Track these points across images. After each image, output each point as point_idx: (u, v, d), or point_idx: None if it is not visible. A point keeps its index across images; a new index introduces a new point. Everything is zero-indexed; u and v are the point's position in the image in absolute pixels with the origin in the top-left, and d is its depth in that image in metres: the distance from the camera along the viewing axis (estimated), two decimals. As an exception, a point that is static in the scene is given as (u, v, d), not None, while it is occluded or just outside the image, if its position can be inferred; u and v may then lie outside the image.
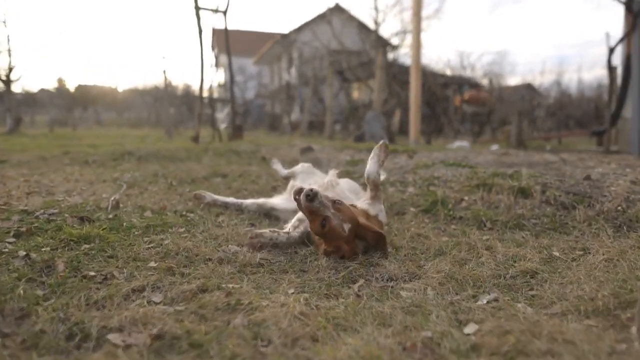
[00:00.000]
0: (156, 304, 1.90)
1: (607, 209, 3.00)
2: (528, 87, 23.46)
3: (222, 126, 10.35)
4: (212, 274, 2.20)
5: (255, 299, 1.90)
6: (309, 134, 17.87)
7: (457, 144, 10.34)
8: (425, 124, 14.57)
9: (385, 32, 20.67)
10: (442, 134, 14.73)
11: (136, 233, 2.83)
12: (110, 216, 3.16)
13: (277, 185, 4.35)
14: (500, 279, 2.12)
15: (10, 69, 15.72)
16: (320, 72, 19.58)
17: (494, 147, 9.02)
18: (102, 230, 2.73)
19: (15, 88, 18.19)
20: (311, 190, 2.33)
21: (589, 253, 2.42)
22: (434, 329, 1.61)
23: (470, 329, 1.61)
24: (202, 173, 5.01)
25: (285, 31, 27.03)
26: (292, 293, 2.01)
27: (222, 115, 10.51)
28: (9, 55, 15.47)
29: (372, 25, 20.49)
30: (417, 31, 10.01)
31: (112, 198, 3.58)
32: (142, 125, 29.32)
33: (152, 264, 2.28)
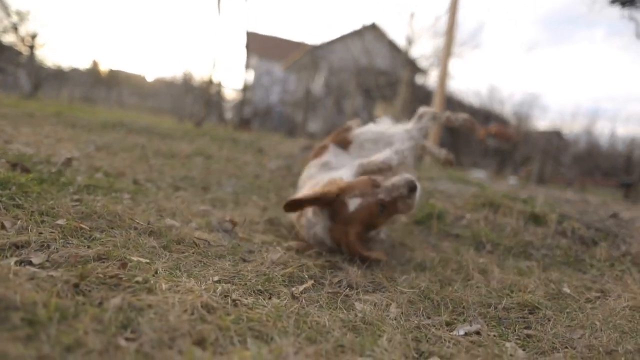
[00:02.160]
0: (31, 264, 1.46)
1: (635, 252, 2.45)
2: (556, 134, 22.69)
3: (228, 116, 10.04)
4: (126, 243, 1.75)
5: (157, 279, 1.43)
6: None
7: (475, 173, 9.76)
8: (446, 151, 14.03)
9: (416, 54, 20.27)
10: (460, 164, 14.15)
11: (70, 190, 2.42)
12: (54, 170, 2.76)
13: (260, 174, 3.92)
14: (489, 308, 1.61)
15: (34, 35, 15.90)
16: (345, 86, 19.30)
17: (512, 179, 8.42)
18: (29, 180, 2.32)
19: (40, 55, 18.40)
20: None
21: (609, 296, 1.88)
22: (377, 356, 1.12)
23: (429, 365, 1.11)
24: (186, 151, 4.61)
25: (318, 42, 26.99)
26: (214, 282, 1.54)
27: (229, 105, 10.21)
28: (32, 20, 15.68)
29: (403, 45, 20.19)
30: (447, 51, 9.58)
31: (68, 155, 3.19)
32: (163, 113, 29.51)
33: (61, 221, 1.85)
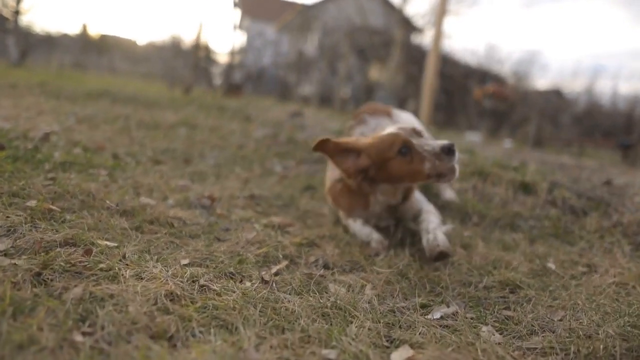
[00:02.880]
0: (-7, 252, 1.39)
1: (627, 222, 2.40)
2: (556, 93, 22.26)
3: (217, 82, 9.72)
4: (97, 226, 1.69)
5: (122, 266, 1.38)
6: (319, 107, 17.21)
7: (469, 135, 9.62)
8: (440, 113, 13.78)
9: (412, 12, 19.52)
10: (455, 125, 13.95)
11: (45, 168, 2.33)
12: (30, 146, 2.66)
13: (244, 143, 3.81)
14: (469, 287, 1.57)
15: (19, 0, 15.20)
16: (339, 47, 18.69)
17: (507, 142, 8.30)
18: (2, 158, 2.22)
19: (27, 21, 17.67)
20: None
21: (596, 272, 1.84)
22: (344, 346, 1.08)
23: (398, 355, 1.07)
24: (170, 121, 4.48)
25: (310, 2, 25.97)
26: (183, 265, 1.48)
27: (217, 70, 9.85)
28: None
29: (398, 2, 19.39)
30: (442, 9, 9.17)
31: (47, 130, 3.07)
32: (155, 79, 28.81)
33: (31, 203, 1.77)
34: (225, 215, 2.11)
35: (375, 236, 1.90)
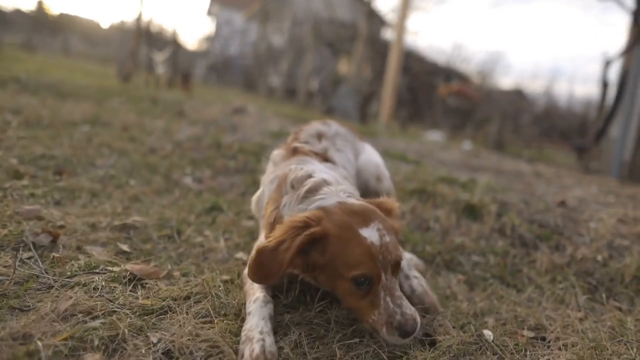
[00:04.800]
0: None
1: (581, 257, 2.01)
2: (517, 93, 22.61)
3: (160, 70, 8.92)
4: None
5: None
6: (284, 100, 16.60)
7: (431, 135, 9.33)
8: (405, 109, 13.47)
9: (380, 7, 19.16)
10: (420, 122, 13.71)
11: None
12: None
13: (159, 147, 3.22)
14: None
15: None
16: (306, 39, 18.08)
17: (466, 144, 8.04)
18: None
19: None
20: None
21: (544, 340, 1.42)
22: None
23: None
24: (77, 116, 3.80)
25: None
26: None
27: (160, 57, 9.01)
28: None
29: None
30: (405, 4, 8.77)
31: None
32: (111, 63, 27.10)
33: None
34: (64, 261, 1.54)
35: (267, 341, 1.20)
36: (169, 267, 1.65)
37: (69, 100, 4.76)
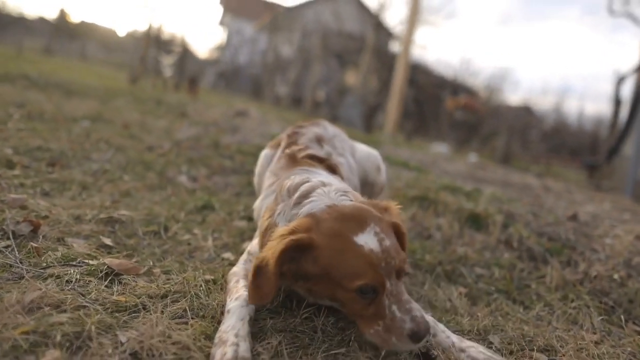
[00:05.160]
0: None
1: (596, 274, 1.88)
2: (526, 109, 22.47)
3: (167, 73, 8.94)
4: None
5: None
6: (290, 108, 16.62)
7: (436, 147, 9.21)
8: (410, 121, 13.39)
9: (390, 20, 19.21)
10: (426, 134, 13.59)
11: None
12: None
13: (157, 145, 3.15)
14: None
15: None
16: (313, 50, 18.21)
17: (472, 157, 7.91)
18: None
19: None
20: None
21: (553, 362, 1.29)
22: None
23: None
24: (79, 112, 3.75)
25: (291, 3, 25.57)
26: None
27: (168, 61, 9.06)
28: None
29: (375, 8, 19.05)
30: (412, 17, 8.75)
31: None
32: (126, 69, 27.40)
33: None
34: (41, 251, 1.45)
35: (241, 346, 1.07)
36: (151, 263, 1.55)
37: (75, 98, 4.72)
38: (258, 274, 1.15)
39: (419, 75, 14.44)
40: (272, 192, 1.53)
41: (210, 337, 1.16)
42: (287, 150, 1.67)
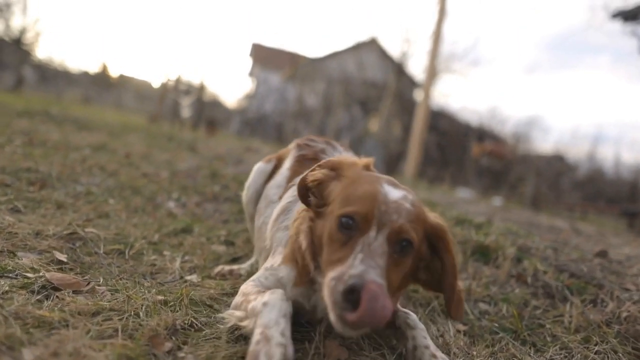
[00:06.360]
0: None
1: (627, 316, 1.56)
2: (558, 158, 21.75)
3: (185, 114, 9.23)
4: None
5: None
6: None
7: (460, 192, 8.86)
8: (433, 167, 13.12)
9: (413, 67, 19.59)
10: (450, 180, 13.21)
11: None
12: None
13: (155, 173, 3.10)
14: None
15: (23, 30, 15.60)
16: (335, 97, 18.66)
17: (496, 200, 7.51)
18: None
19: (44, 54, 18.51)
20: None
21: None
22: None
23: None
24: (85, 143, 3.80)
25: (315, 55, 26.82)
26: None
27: (186, 101, 9.40)
28: (24, 15, 15.39)
29: (397, 56, 19.52)
30: (433, 60, 8.81)
31: None
32: (159, 117, 28.84)
33: None
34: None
35: (289, 349, 0.93)
36: (100, 280, 1.39)
37: (86, 131, 4.85)
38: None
39: (442, 121, 14.36)
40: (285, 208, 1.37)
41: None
42: (300, 153, 1.57)
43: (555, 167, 16.50)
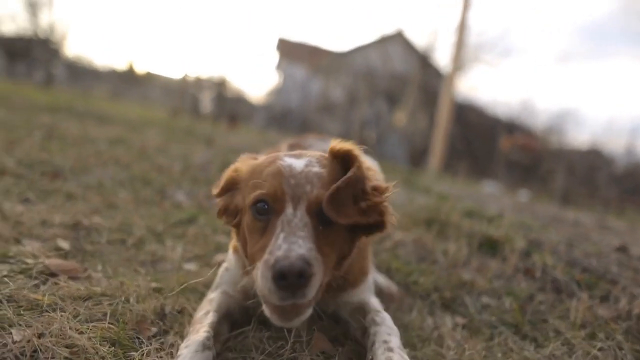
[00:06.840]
0: None
1: (638, 313, 1.47)
2: (594, 153, 20.74)
3: (206, 109, 9.37)
4: None
5: None
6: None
7: (486, 186, 8.62)
8: (460, 160, 12.80)
9: (438, 59, 19.11)
10: (477, 173, 12.87)
11: None
12: None
13: (167, 165, 3.16)
14: None
15: (51, 28, 16.31)
16: (360, 91, 18.51)
17: (522, 194, 7.26)
18: None
19: (74, 53, 19.43)
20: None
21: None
22: None
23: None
24: (102, 136, 3.92)
25: (341, 49, 26.62)
26: None
27: (206, 96, 9.54)
28: (51, 13, 16.16)
29: (421, 48, 19.09)
30: (458, 50, 8.57)
31: None
32: (181, 111, 29.43)
33: None
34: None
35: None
36: (99, 267, 1.43)
37: (106, 125, 4.99)
38: None
39: (469, 114, 14.01)
40: None
41: (117, 343, 1.00)
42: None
43: (590, 160, 15.79)
